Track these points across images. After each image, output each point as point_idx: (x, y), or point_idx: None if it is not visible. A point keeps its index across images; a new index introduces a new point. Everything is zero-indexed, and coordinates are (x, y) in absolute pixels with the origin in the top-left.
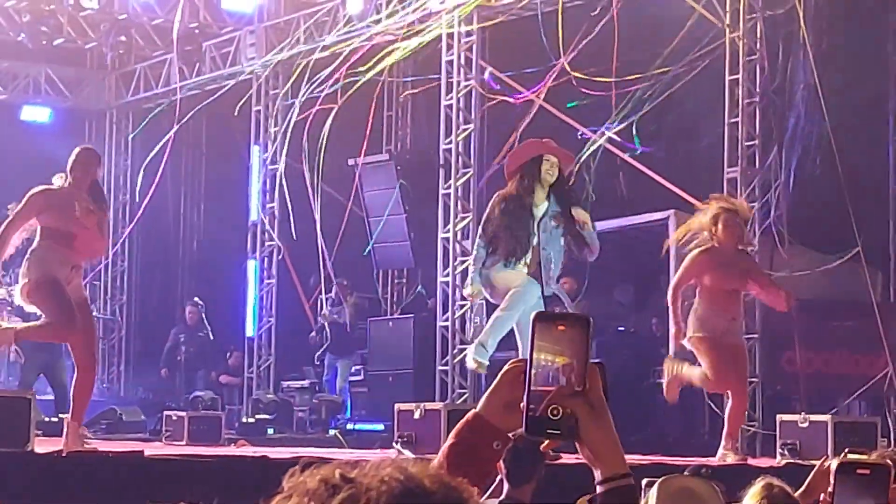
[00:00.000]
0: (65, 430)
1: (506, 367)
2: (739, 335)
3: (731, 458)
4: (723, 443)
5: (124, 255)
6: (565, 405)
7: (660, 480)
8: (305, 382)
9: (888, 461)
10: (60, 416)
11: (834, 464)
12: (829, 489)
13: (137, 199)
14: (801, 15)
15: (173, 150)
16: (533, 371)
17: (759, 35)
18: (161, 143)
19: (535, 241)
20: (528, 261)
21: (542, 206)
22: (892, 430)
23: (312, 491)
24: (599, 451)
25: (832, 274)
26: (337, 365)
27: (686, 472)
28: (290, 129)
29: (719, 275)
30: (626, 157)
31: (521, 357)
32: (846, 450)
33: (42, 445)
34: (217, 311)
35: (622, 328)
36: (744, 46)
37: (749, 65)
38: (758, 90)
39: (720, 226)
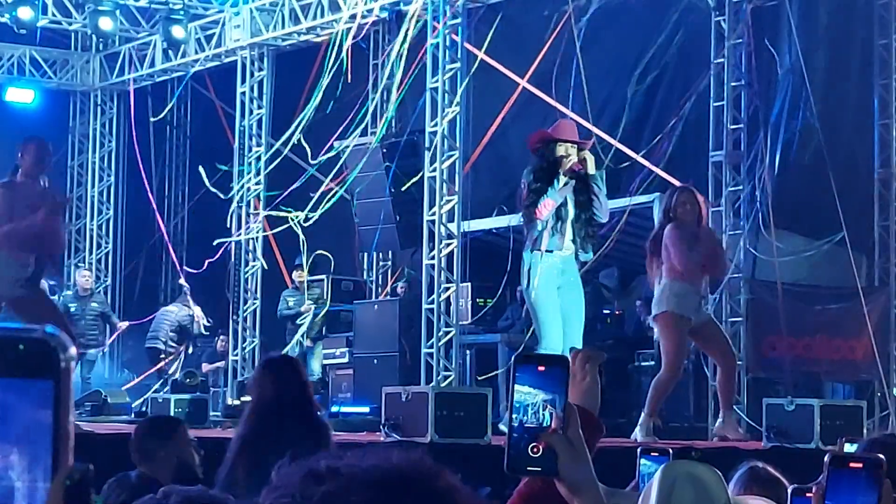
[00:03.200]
0: None
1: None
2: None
3: (732, 434)
4: (721, 415)
5: (108, 237)
6: (545, 442)
7: (662, 466)
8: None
9: (881, 456)
10: None
11: (827, 457)
12: (822, 482)
13: (121, 181)
14: None
15: (158, 132)
16: (513, 411)
17: (743, 18)
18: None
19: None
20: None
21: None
22: (877, 413)
23: (299, 482)
24: (578, 488)
25: (816, 258)
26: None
27: (673, 455)
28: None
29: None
30: (611, 139)
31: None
32: (842, 437)
33: None
34: (202, 292)
35: (607, 311)
36: (730, 29)
37: (735, 48)
38: (744, 74)
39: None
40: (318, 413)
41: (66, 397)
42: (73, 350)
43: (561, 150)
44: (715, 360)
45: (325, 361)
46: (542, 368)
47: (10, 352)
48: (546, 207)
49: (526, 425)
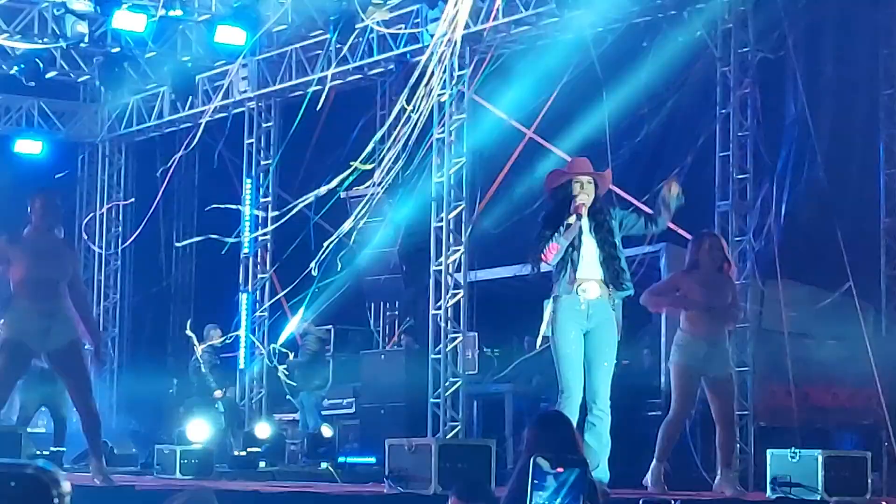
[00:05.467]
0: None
1: None
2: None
3: (729, 491)
4: (720, 472)
5: (116, 287)
6: None
7: None
8: (297, 415)
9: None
10: (56, 448)
11: None
12: None
13: (129, 232)
14: (791, 49)
15: (166, 183)
16: None
17: (750, 69)
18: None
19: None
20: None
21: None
22: (885, 464)
23: None
24: None
25: (823, 308)
26: (302, 400)
27: None
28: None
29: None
30: (618, 189)
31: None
32: (834, 499)
33: None
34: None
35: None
36: (735, 80)
37: (740, 99)
38: (749, 124)
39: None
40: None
41: None
42: (66, 485)
43: (576, 186)
44: (715, 419)
45: (332, 412)
46: (560, 470)
47: (1, 488)
48: (552, 251)
49: None
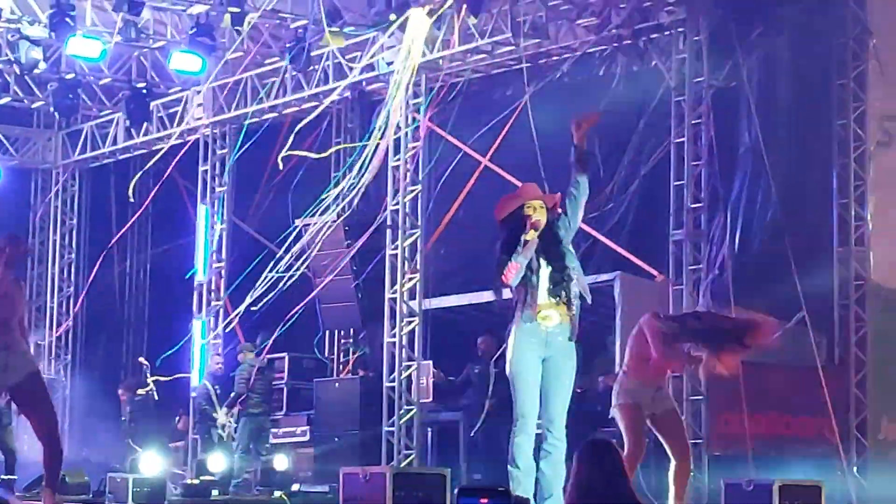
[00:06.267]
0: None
1: None
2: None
3: None
4: None
5: (69, 314)
6: None
7: None
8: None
9: None
10: (5, 477)
11: None
12: None
13: (83, 258)
14: (745, 79)
15: (119, 209)
16: None
17: (704, 99)
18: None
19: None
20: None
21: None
22: (837, 493)
23: None
24: None
25: (777, 337)
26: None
27: None
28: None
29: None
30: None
31: None
32: None
33: None
34: (163, 371)
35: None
36: (690, 109)
37: (694, 128)
38: (703, 153)
39: None
40: (633, 495)
41: None
42: None
43: (528, 210)
44: (670, 452)
45: (285, 440)
46: (484, 501)
47: None
48: (511, 270)
49: None
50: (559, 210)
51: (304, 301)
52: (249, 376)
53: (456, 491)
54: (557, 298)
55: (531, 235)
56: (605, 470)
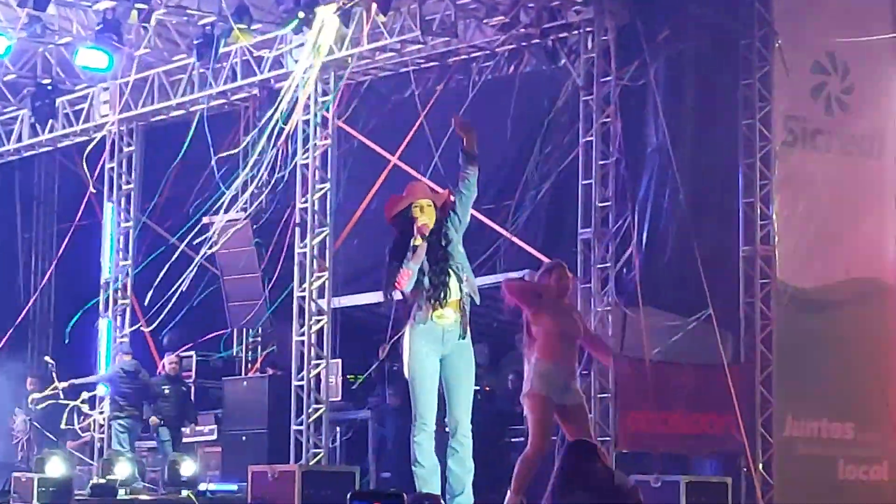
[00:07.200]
0: None
1: None
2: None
3: None
4: None
5: None
6: None
7: None
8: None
9: None
10: None
11: None
12: None
13: None
14: (653, 78)
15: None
16: None
17: (612, 98)
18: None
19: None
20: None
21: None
22: (743, 489)
23: None
24: None
25: (683, 335)
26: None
27: None
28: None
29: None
30: (483, 217)
31: None
32: None
33: None
34: (69, 370)
35: (477, 387)
36: (598, 108)
37: (602, 127)
38: (611, 152)
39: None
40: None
41: None
42: None
43: (416, 211)
44: None
45: (194, 438)
46: None
47: None
48: (404, 277)
49: None
50: (449, 208)
51: (203, 293)
52: (115, 379)
53: (349, 496)
54: (448, 299)
55: (419, 241)
56: (594, 471)
